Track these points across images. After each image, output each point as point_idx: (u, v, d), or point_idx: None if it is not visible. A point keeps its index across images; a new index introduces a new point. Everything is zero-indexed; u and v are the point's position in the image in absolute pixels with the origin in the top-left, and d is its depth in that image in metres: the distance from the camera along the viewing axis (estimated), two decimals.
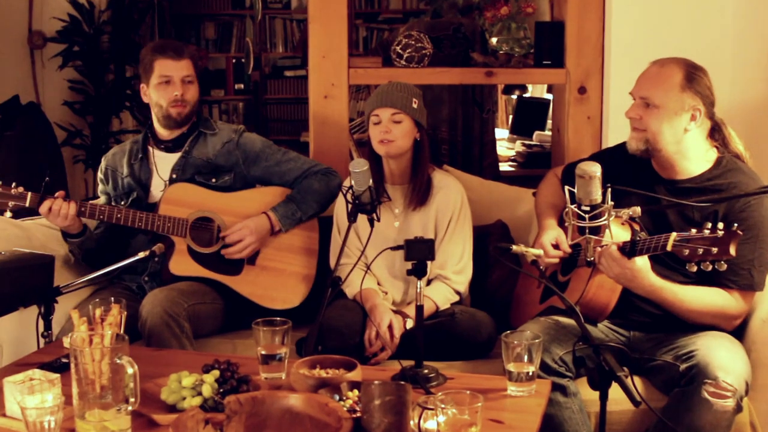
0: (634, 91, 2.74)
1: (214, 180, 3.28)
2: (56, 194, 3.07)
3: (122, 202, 3.29)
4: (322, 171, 3.35)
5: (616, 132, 3.51)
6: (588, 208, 2.36)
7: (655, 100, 2.66)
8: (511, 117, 6.61)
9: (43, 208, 3.04)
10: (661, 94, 2.66)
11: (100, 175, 3.41)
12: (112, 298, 2.38)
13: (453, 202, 3.13)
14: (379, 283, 3.14)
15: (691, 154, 2.72)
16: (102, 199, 3.39)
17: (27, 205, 3.03)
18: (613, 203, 2.37)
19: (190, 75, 3.26)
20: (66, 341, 2.45)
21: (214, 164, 3.30)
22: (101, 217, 3.10)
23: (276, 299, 3.24)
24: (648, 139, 2.70)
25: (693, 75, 2.67)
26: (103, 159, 3.43)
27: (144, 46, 6.72)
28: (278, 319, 2.37)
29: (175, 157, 3.31)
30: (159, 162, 3.33)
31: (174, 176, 3.27)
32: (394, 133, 3.04)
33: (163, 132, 3.32)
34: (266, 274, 3.26)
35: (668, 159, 2.72)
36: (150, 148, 3.34)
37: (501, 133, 6.15)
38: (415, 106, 3.06)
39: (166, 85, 3.23)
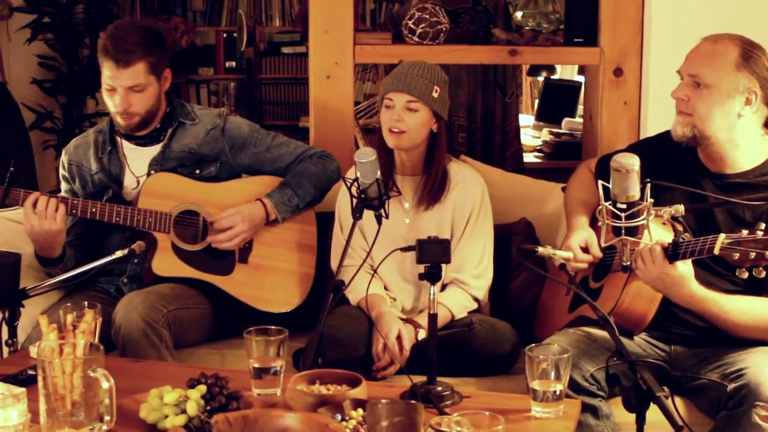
0: (682, 68, 2.73)
1: (198, 171, 3.28)
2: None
3: None
4: (318, 154, 3.36)
5: (657, 119, 3.50)
6: (624, 206, 2.37)
7: (706, 78, 2.64)
8: (537, 102, 6.61)
9: (28, 203, 2.99)
10: (714, 72, 2.64)
11: (63, 171, 3.35)
12: (86, 303, 2.39)
13: (472, 197, 3.13)
14: (386, 288, 3.14)
15: (745, 145, 2.71)
16: None
17: None
18: (652, 200, 2.37)
19: (138, 85, 3.12)
20: (33, 351, 2.45)
21: (198, 154, 3.28)
22: (74, 211, 3.09)
23: (272, 301, 3.25)
24: (696, 124, 2.68)
25: (750, 53, 2.66)
26: (64, 153, 3.36)
27: (122, 17, 6.69)
28: (273, 327, 2.36)
29: (151, 150, 3.28)
30: (130, 156, 3.29)
31: (152, 172, 3.25)
32: (406, 122, 3.04)
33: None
34: (260, 273, 3.27)
35: (718, 149, 2.71)
36: (118, 139, 3.30)
37: (526, 119, 6.15)
38: (435, 95, 3.05)
39: (111, 92, 3.15)
